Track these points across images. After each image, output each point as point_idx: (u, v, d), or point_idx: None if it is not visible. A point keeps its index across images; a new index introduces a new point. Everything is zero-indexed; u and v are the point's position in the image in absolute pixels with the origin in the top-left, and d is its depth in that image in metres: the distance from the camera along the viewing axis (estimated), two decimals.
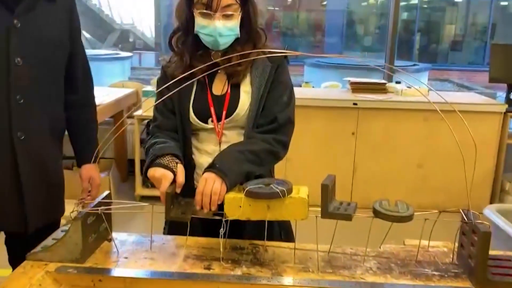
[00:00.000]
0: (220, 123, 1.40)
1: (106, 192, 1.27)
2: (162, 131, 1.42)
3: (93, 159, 1.27)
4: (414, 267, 1.17)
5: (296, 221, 1.18)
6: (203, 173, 1.23)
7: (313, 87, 4.47)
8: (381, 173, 3.66)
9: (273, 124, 1.38)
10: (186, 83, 1.29)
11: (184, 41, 1.42)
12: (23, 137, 1.38)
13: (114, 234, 1.28)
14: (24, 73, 1.36)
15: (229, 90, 1.40)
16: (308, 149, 3.56)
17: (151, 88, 3.83)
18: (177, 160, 1.27)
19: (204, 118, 1.40)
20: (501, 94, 3.90)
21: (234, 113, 1.39)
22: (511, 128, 3.78)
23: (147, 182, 3.80)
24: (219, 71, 1.41)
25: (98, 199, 1.23)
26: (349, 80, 3.96)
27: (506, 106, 3.60)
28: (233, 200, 1.13)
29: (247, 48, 1.39)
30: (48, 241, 1.18)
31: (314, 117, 3.57)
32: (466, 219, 1.15)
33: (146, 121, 3.83)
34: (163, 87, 1.36)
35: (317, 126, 3.58)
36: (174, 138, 1.40)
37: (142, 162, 3.82)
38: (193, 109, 1.40)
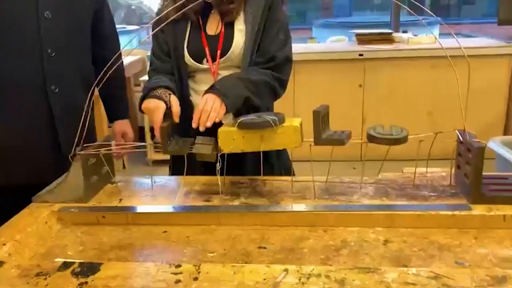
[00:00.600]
0: (215, 63, 1.41)
1: (107, 135, 1.29)
2: (159, 73, 1.43)
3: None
4: (411, 190, 1.18)
5: (292, 150, 1.20)
6: (203, 95, 1.25)
7: (318, 42, 4.42)
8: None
9: (271, 62, 1.39)
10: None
11: None
12: (57, 90, 1.40)
13: (117, 177, 1.32)
14: (54, 26, 1.38)
15: (223, 30, 1.41)
16: (316, 104, 3.54)
17: None
18: (170, 92, 1.28)
19: (198, 59, 1.41)
20: None
21: (229, 52, 1.39)
22: None
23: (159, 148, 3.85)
24: (212, 11, 1.42)
25: (99, 141, 1.25)
26: (355, 32, 3.90)
27: None
28: (227, 134, 1.14)
29: None
30: (53, 184, 1.22)
31: (321, 71, 3.55)
32: (461, 139, 1.15)
33: None
34: (157, 29, 1.40)
35: (323, 80, 3.56)
36: (170, 79, 1.41)
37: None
38: (187, 49, 1.41)
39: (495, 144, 1.92)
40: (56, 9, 1.38)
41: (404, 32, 3.99)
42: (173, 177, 1.33)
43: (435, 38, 3.62)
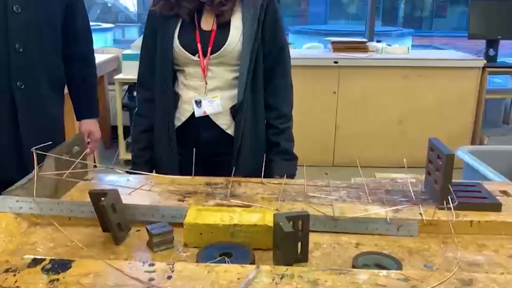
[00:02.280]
0: (205, 58, 1.42)
1: (78, 133, 1.28)
2: (146, 92, 1.52)
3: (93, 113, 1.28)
4: (383, 195, 1.20)
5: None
6: None
7: (294, 48, 4.46)
8: (363, 130, 3.71)
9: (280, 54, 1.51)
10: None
11: None
12: (22, 86, 1.37)
13: (91, 174, 1.30)
14: (23, 20, 1.35)
15: (215, 27, 1.43)
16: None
17: (131, 51, 3.79)
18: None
19: (191, 52, 1.43)
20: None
21: (222, 49, 1.41)
22: (489, 84, 3.84)
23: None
24: (207, 6, 1.44)
25: (72, 138, 1.24)
26: (330, 40, 3.96)
27: (485, 61, 3.64)
28: (193, 227, 0.99)
29: None
30: (23, 180, 1.20)
31: (295, 77, 3.53)
32: (433, 148, 1.19)
33: (127, 86, 3.81)
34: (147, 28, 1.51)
35: (298, 86, 3.54)
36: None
37: (125, 128, 3.84)
38: (179, 42, 1.43)
39: (462, 153, 1.98)
40: (25, 3, 1.35)
41: (378, 41, 4.07)
42: (147, 176, 1.32)
43: (407, 49, 3.71)
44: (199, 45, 1.42)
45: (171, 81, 1.46)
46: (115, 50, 4.35)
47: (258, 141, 1.52)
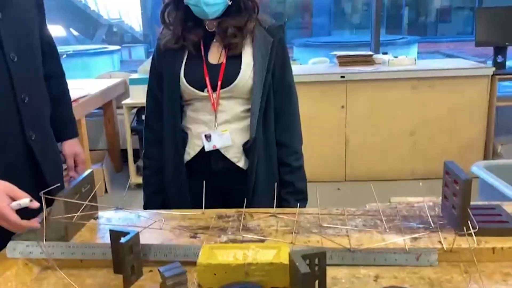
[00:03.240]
0: (215, 92, 1.40)
1: (89, 171, 1.26)
2: (153, 133, 1.51)
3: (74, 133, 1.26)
4: (399, 221, 1.17)
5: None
6: None
7: (300, 64, 4.45)
8: (374, 143, 3.67)
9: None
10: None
11: (175, 13, 1.43)
12: (34, 137, 1.32)
13: (101, 213, 1.29)
14: (20, 68, 1.28)
15: (224, 61, 1.41)
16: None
17: (138, 76, 3.81)
18: None
19: (198, 87, 1.41)
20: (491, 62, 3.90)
21: (233, 84, 1.40)
22: (499, 91, 3.79)
23: (142, 171, 3.81)
24: (214, 39, 1.43)
25: (81, 177, 1.22)
26: (336, 54, 3.94)
27: (494, 68, 3.60)
28: (207, 268, 0.96)
29: (240, 17, 1.40)
30: None
31: (303, 93, 3.51)
32: (448, 171, 1.16)
33: (135, 109, 3.82)
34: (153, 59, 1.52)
35: (306, 102, 3.53)
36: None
37: (135, 151, 3.85)
38: (186, 77, 1.41)
39: (478, 169, 1.94)
40: (4, 10, 1.25)
41: (385, 53, 4.05)
42: (158, 211, 1.30)
43: (414, 60, 3.69)
44: (207, 79, 1.40)
45: (179, 118, 1.45)
46: (122, 75, 4.37)
47: (272, 176, 1.50)
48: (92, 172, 1.27)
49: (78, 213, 1.13)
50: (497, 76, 3.58)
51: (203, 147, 1.44)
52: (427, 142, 3.66)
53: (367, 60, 3.86)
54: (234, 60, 1.41)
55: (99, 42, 14.01)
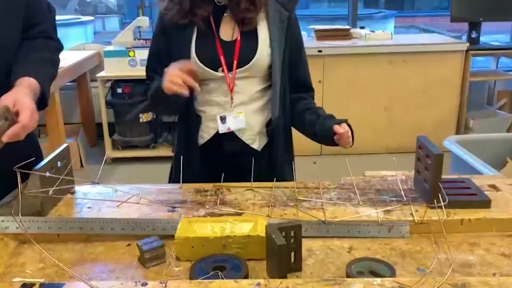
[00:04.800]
0: (231, 72, 1.32)
1: (64, 146, 1.25)
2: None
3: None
4: (373, 195, 1.20)
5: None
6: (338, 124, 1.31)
7: None
8: (349, 118, 3.69)
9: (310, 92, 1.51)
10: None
11: None
12: None
13: (77, 187, 1.28)
14: None
15: (239, 37, 1.32)
16: None
17: (113, 48, 3.74)
18: None
19: (213, 67, 1.32)
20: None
21: (251, 63, 1.31)
22: (473, 66, 3.86)
23: (117, 145, 3.77)
24: (225, 14, 1.34)
25: (56, 151, 1.21)
26: (314, 28, 3.93)
27: (468, 44, 3.65)
28: (184, 241, 0.97)
29: None
30: (8, 197, 1.17)
31: None
32: (421, 146, 1.19)
33: (110, 83, 3.76)
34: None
35: None
36: None
37: (110, 125, 3.80)
38: (198, 56, 1.31)
39: (450, 143, 1.99)
40: None
41: (362, 27, 4.06)
42: (135, 186, 1.30)
43: (391, 34, 3.71)
44: (222, 58, 1.31)
45: (192, 100, 1.35)
46: (96, 47, 4.27)
47: (288, 157, 1.47)
48: (67, 146, 1.25)
49: (54, 187, 1.12)
50: (471, 52, 3.64)
51: (217, 130, 1.36)
52: (402, 117, 3.72)
53: (345, 35, 3.86)
54: (249, 37, 1.32)
55: (71, 13, 13.58)
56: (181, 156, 1.36)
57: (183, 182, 1.29)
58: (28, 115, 1.06)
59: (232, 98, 1.34)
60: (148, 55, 1.43)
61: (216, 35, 1.32)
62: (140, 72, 3.08)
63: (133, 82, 3.59)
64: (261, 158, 1.37)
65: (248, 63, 1.31)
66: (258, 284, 0.82)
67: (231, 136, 1.37)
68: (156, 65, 1.37)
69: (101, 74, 3.66)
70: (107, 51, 3.67)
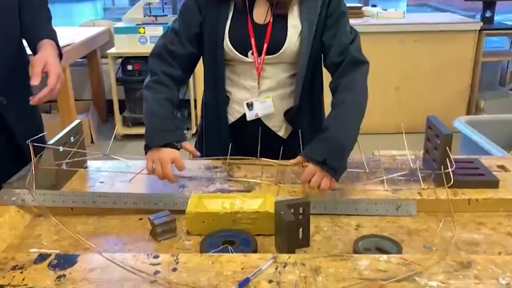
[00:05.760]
0: (260, 57, 1.27)
1: (77, 121, 1.27)
2: (167, 66, 1.28)
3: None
4: (382, 174, 1.21)
5: None
6: (307, 161, 1.12)
7: None
8: None
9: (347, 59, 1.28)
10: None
11: None
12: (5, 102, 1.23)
13: (90, 162, 1.30)
14: None
15: (271, 20, 1.27)
16: None
17: (123, 24, 3.73)
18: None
19: (242, 49, 1.28)
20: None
21: (282, 49, 1.26)
22: (486, 46, 3.80)
23: (128, 122, 3.80)
24: None
25: (69, 127, 1.23)
26: None
27: (481, 23, 3.59)
28: (195, 216, 1.00)
29: None
30: (23, 171, 1.20)
31: None
32: (431, 126, 1.19)
33: (120, 59, 3.76)
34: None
35: None
36: (174, 77, 1.28)
37: (121, 101, 3.82)
38: (229, 38, 1.27)
39: (460, 124, 1.98)
40: None
41: (374, 6, 4.01)
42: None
43: (403, 13, 3.66)
44: (252, 41, 1.26)
45: (223, 81, 1.31)
46: (107, 23, 4.26)
47: None
48: (80, 122, 1.27)
49: (68, 160, 1.15)
50: (484, 32, 3.58)
51: (244, 114, 1.33)
52: (412, 97, 3.69)
53: (357, 13, 3.81)
54: (280, 21, 1.27)
55: None
56: (204, 137, 1.37)
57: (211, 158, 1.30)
58: (55, 79, 1.19)
59: (259, 83, 1.32)
60: (166, 32, 1.34)
61: (249, 17, 1.28)
62: (150, 49, 3.07)
63: (143, 59, 3.58)
64: (287, 145, 1.34)
65: (278, 48, 1.27)
66: (273, 258, 0.84)
67: (256, 122, 1.34)
68: (174, 43, 1.30)
69: (112, 51, 3.66)
70: (117, 28, 3.66)
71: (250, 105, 1.31)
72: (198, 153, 1.23)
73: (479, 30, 3.56)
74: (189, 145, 1.22)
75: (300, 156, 1.15)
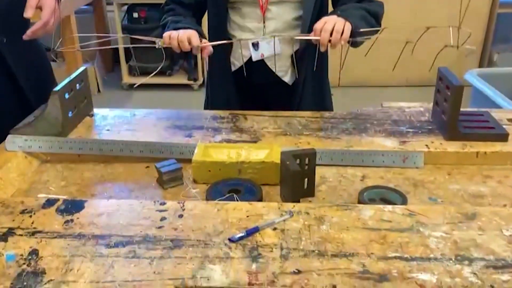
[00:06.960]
0: None
1: (82, 68, 1.25)
2: (180, 5, 1.31)
3: None
4: (389, 126, 1.20)
5: None
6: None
7: None
8: (370, 49, 3.61)
9: None
10: None
11: None
12: (5, 41, 1.21)
13: (96, 110, 1.30)
14: None
15: None
16: None
17: None
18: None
19: None
20: None
21: None
22: None
23: (134, 71, 3.76)
24: None
25: (75, 74, 1.21)
26: None
27: None
28: (201, 165, 1.00)
29: None
30: (30, 117, 1.20)
31: None
32: (441, 77, 1.16)
33: (126, 6, 3.69)
34: None
35: None
36: (192, 21, 1.28)
37: (126, 50, 3.77)
38: None
39: (471, 77, 1.94)
40: None
41: None
42: (153, 110, 1.32)
43: None
44: None
45: (226, 24, 1.30)
46: None
47: (320, 91, 1.40)
48: (85, 69, 1.26)
49: (74, 108, 1.14)
50: None
51: (250, 58, 1.30)
52: (424, 49, 3.61)
53: None
54: None
55: None
56: (211, 82, 1.36)
57: (218, 107, 1.29)
58: (49, 12, 1.15)
59: (264, 25, 1.28)
60: None
61: None
62: None
63: (149, 6, 3.51)
64: (292, 92, 1.33)
65: None
66: (291, 213, 0.84)
67: (262, 67, 1.31)
68: None
69: None
70: None
71: (255, 45, 1.28)
72: (211, 48, 1.20)
73: None
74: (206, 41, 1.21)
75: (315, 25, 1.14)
